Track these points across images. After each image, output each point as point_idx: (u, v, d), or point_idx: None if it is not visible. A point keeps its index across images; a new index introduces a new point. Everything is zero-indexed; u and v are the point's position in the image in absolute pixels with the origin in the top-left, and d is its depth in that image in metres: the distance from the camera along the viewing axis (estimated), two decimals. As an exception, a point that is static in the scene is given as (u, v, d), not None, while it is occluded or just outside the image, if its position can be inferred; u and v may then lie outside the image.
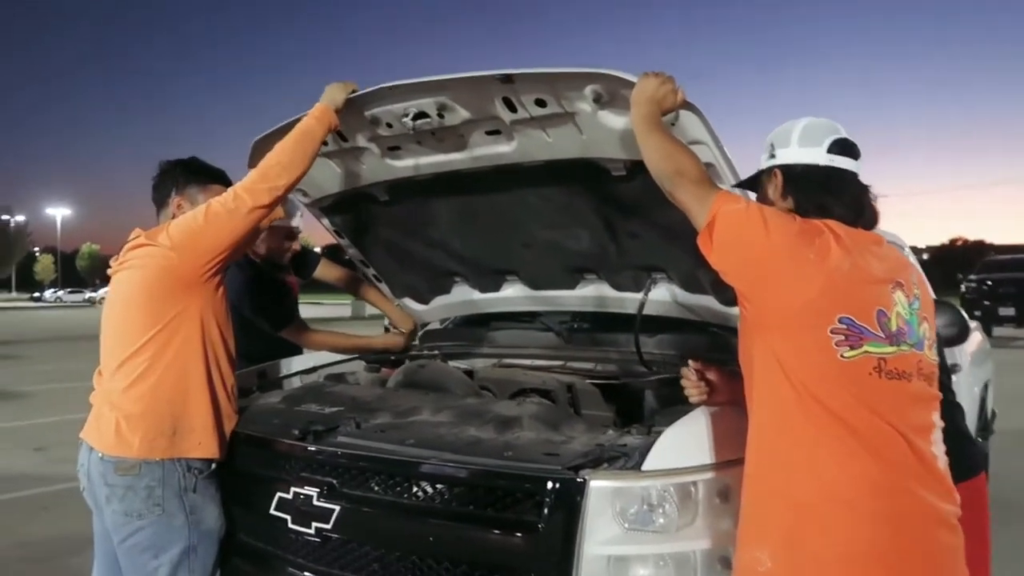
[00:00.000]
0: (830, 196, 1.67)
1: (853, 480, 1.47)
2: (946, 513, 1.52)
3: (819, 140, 1.72)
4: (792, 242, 1.56)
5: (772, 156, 1.77)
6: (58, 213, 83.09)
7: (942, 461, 1.56)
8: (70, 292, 74.17)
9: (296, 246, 3.47)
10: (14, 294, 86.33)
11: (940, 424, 1.59)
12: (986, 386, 4.83)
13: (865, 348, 1.52)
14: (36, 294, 79.40)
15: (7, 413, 8.67)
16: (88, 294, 70.05)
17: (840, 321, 1.51)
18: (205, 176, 2.39)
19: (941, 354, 2.27)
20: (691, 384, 2.05)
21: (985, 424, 4.74)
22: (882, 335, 1.53)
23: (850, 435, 1.49)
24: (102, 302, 2.60)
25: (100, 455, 2.11)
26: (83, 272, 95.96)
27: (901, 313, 1.57)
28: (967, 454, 2.17)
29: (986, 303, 16.20)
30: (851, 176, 1.72)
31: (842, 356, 1.51)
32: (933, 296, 3.10)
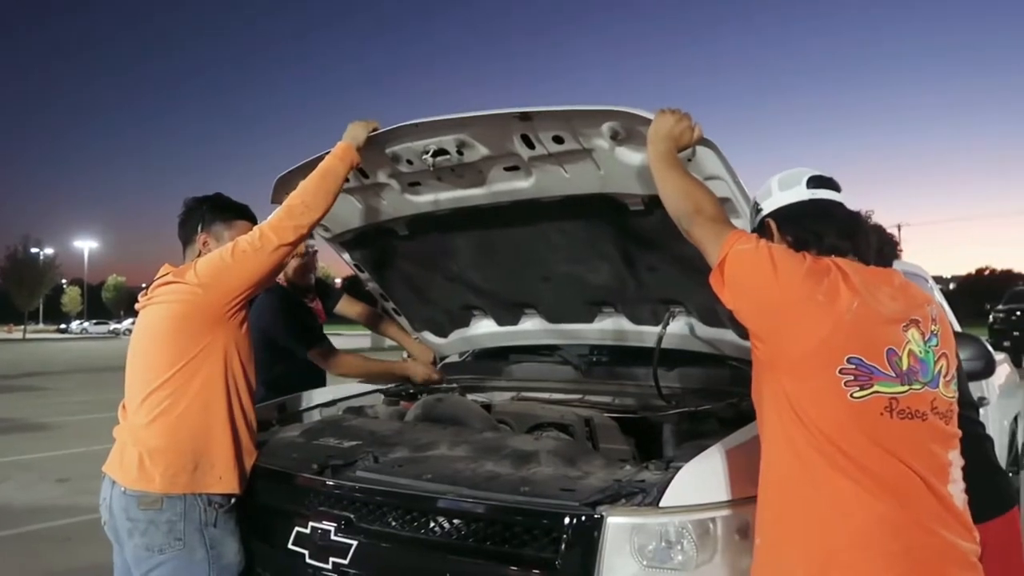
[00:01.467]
0: (821, 223, 1.70)
1: (875, 523, 1.46)
2: (967, 551, 1.49)
3: (797, 180, 1.79)
4: (801, 283, 1.56)
5: (759, 211, 1.84)
6: (85, 246, 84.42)
7: (960, 499, 1.53)
8: (95, 324, 75.10)
9: (315, 262, 3.57)
10: (41, 325, 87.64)
11: (959, 462, 1.56)
12: (1016, 418, 4.74)
13: (875, 388, 1.50)
14: (62, 325, 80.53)
15: (32, 444, 8.76)
16: (113, 325, 70.90)
17: (849, 361, 1.50)
18: (230, 212, 2.43)
19: (966, 387, 2.25)
20: None
21: (1016, 458, 4.64)
22: (892, 374, 1.52)
23: (868, 477, 1.47)
24: (127, 333, 2.65)
25: (123, 489, 2.13)
26: (109, 304, 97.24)
27: (915, 351, 1.55)
28: (999, 488, 2.13)
29: (1015, 333, 15.99)
30: (837, 204, 1.76)
31: (852, 397, 1.49)
32: (957, 329, 3.06)
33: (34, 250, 61.96)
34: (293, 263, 3.39)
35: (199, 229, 2.39)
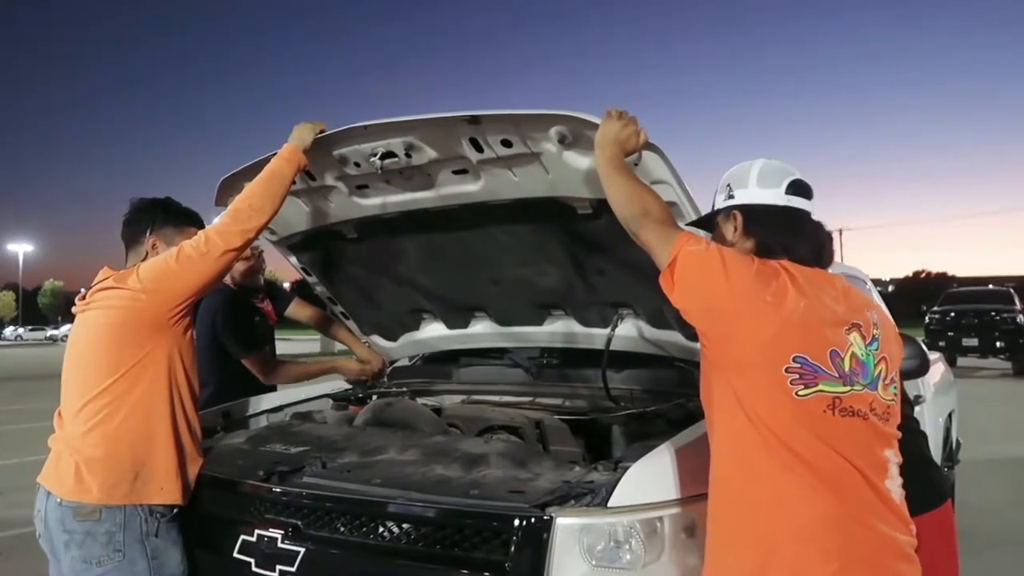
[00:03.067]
0: (793, 235, 1.71)
1: (817, 517, 1.50)
2: (903, 544, 1.55)
3: (778, 181, 1.76)
4: (750, 285, 1.59)
5: (730, 196, 1.80)
6: (20, 249, 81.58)
7: (897, 494, 1.58)
8: (31, 330, 72.52)
9: (261, 264, 3.53)
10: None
11: (897, 460, 1.61)
12: (950, 416, 4.91)
13: (820, 387, 1.54)
14: (-5, 332, 77.63)
15: (-37, 456, 8.41)
16: (50, 332, 68.52)
17: (794, 360, 1.54)
18: (183, 218, 2.39)
19: (902, 385, 2.32)
20: None
21: (950, 454, 4.81)
22: (835, 374, 1.56)
23: (811, 472, 1.51)
24: (64, 340, 2.56)
25: (58, 500, 2.06)
26: (45, 309, 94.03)
27: (857, 354, 1.59)
28: (934, 482, 2.20)
29: (950, 334, 16.53)
30: (807, 215, 1.77)
31: (797, 395, 1.53)
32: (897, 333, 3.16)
33: (-35, 254, 59.53)
34: (240, 265, 3.35)
35: (148, 232, 2.33)
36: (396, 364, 3.69)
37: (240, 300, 3.44)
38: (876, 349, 1.63)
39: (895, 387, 1.67)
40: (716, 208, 1.85)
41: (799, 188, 1.76)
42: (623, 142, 1.98)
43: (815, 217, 1.78)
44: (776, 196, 1.74)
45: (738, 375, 1.58)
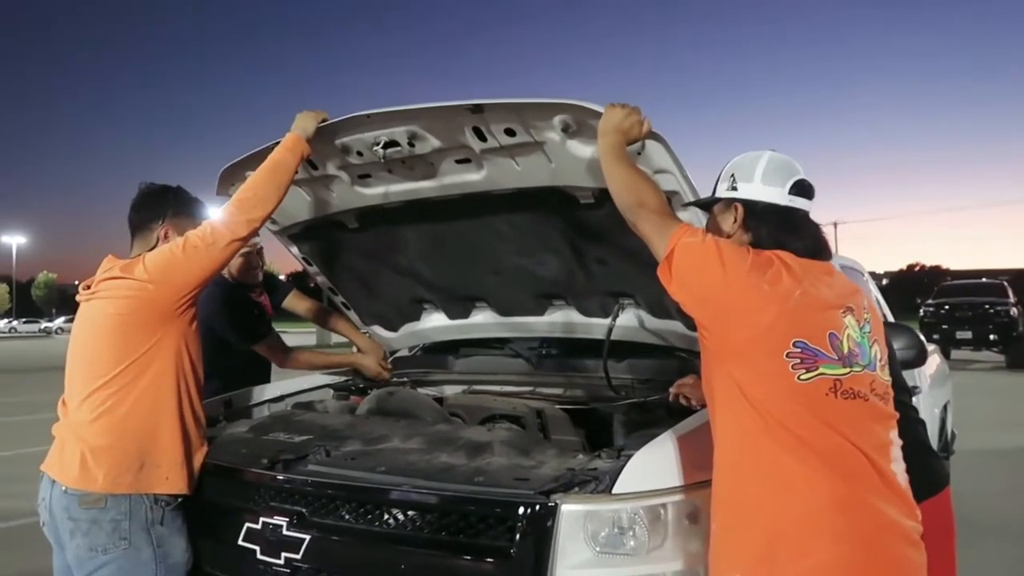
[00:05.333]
0: (791, 236, 1.72)
1: (824, 501, 1.51)
2: (909, 529, 1.56)
3: (782, 180, 1.76)
4: (747, 275, 1.61)
5: (734, 187, 1.81)
6: (13, 241, 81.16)
7: (902, 478, 1.60)
8: (25, 322, 72.14)
9: (258, 259, 3.46)
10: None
11: (898, 442, 1.63)
12: (946, 407, 4.95)
13: (820, 370, 1.56)
14: (-11, 325, 77.24)
15: (-43, 449, 8.37)
16: (44, 324, 68.22)
17: (795, 345, 1.56)
18: (197, 208, 2.39)
19: (900, 373, 2.34)
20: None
21: (946, 444, 4.85)
22: (835, 357, 1.58)
23: (816, 456, 1.52)
24: (59, 332, 2.54)
25: (63, 488, 2.07)
26: (39, 302, 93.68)
27: (852, 335, 1.62)
28: (933, 469, 2.22)
29: (944, 327, 16.58)
30: (806, 215, 1.79)
31: (799, 379, 1.55)
32: (887, 319, 3.17)
33: (-42, 246, 59.17)
34: (236, 261, 3.25)
35: (162, 220, 2.31)
36: (397, 354, 3.70)
37: (236, 292, 3.39)
38: (869, 332, 1.67)
39: (890, 369, 1.71)
40: (718, 196, 1.86)
41: (802, 189, 1.78)
42: (626, 131, 2.00)
43: (826, 207, 1.81)
44: (779, 195, 1.75)
45: (738, 364, 1.60)
